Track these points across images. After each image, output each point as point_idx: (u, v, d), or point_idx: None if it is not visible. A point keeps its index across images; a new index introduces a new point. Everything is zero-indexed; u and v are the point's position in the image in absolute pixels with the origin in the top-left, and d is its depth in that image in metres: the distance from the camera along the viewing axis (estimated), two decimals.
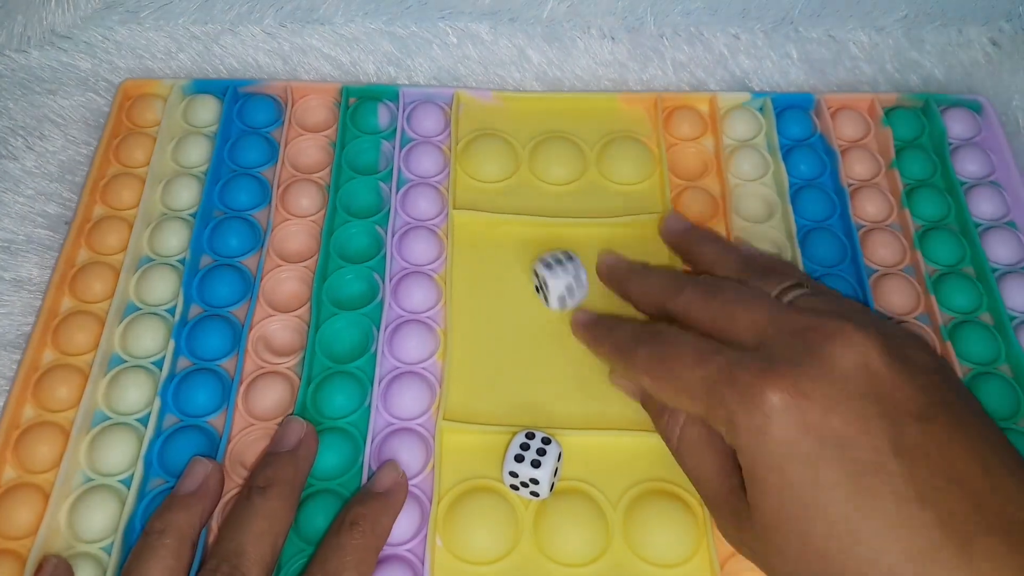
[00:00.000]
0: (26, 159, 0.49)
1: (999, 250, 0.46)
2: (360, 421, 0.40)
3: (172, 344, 0.42)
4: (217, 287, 0.44)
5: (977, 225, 0.47)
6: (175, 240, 0.46)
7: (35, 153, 0.50)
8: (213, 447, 0.40)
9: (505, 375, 0.42)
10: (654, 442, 0.40)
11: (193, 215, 0.46)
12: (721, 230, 0.47)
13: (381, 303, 0.44)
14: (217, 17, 0.55)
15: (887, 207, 0.48)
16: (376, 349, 0.42)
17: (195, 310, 0.43)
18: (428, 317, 0.44)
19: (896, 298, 0.44)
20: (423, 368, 0.42)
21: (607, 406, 0.41)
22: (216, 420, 0.40)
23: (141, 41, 0.54)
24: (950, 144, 0.50)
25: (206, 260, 0.45)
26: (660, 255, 0.46)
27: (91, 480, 0.39)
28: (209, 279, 0.44)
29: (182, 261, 0.45)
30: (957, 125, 0.51)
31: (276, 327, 0.43)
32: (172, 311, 0.43)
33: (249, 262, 0.45)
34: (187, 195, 0.47)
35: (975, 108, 0.52)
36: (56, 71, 0.53)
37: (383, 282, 0.44)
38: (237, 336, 0.43)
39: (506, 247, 0.46)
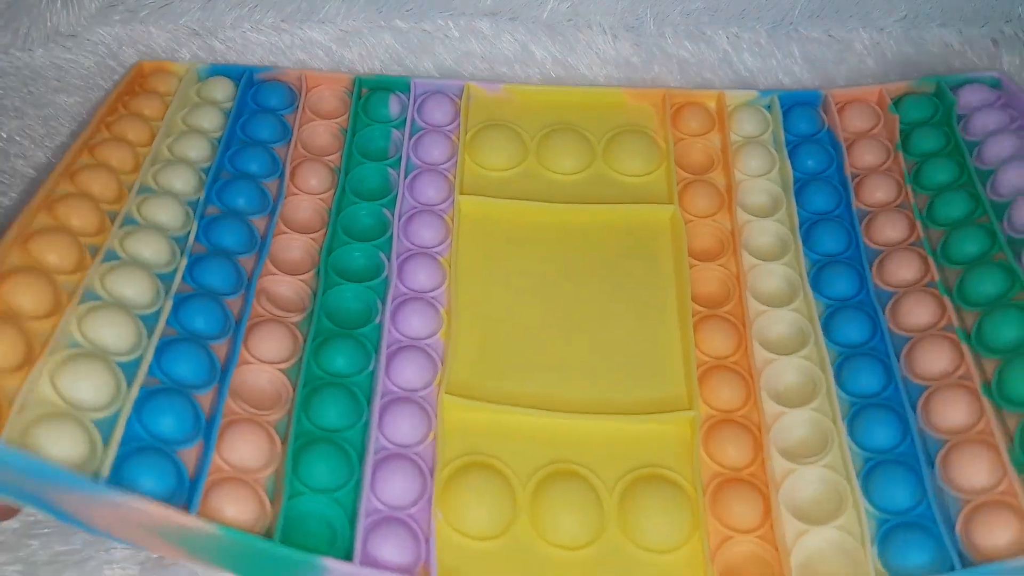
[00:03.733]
0: (36, 156, 0.49)
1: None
2: (364, 382, 0.40)
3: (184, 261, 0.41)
4: (223, 234, 0.43)
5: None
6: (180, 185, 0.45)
7: (44, 150, 0.50)
8: (214, 371, 0.38)
9: (507, 357, 0.42)
10: (653, 428, 0.40)
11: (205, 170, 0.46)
12: (727, 223, 0.47)
13: (386, 280, 0.43)
14: (219, 16, 0.56)
15: (895, 189, 0.47)
16: (380, 321, 0.42)
17: (199, 247, 0.43)
18: (432, 297, 0.43)
19: (904, 272, 0.44)
20: (426, 344, 0.42)
21: (607, 390, 0.41)
22: (220, 347, 0.39)
23: (144, 39, 0.55)
24: (961, 117, 0.49)
25: (212, 210, 0.45)
26: (664, 244, 0.46)
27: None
28: (215, 225, 0.43)
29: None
30: (973, 96, 0.49)
31: (282, 288, 0.43)
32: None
33: (257, 223, 0.45)
34: (195, 160, 0.46)
35: (994, 84, 0.50)
36: (61, 69, 0.53)
37: (388, 261, 0.44)
38: (242, 280, 0.42)
39: (512, 231, 0.47)
